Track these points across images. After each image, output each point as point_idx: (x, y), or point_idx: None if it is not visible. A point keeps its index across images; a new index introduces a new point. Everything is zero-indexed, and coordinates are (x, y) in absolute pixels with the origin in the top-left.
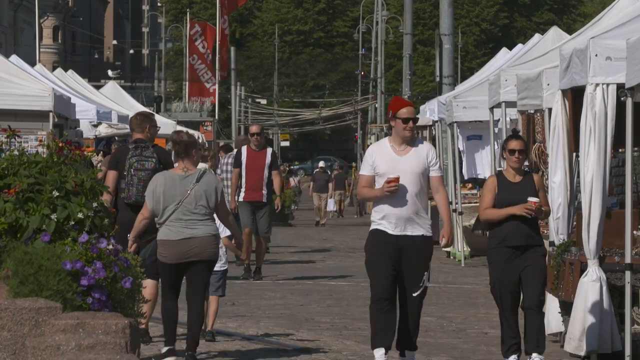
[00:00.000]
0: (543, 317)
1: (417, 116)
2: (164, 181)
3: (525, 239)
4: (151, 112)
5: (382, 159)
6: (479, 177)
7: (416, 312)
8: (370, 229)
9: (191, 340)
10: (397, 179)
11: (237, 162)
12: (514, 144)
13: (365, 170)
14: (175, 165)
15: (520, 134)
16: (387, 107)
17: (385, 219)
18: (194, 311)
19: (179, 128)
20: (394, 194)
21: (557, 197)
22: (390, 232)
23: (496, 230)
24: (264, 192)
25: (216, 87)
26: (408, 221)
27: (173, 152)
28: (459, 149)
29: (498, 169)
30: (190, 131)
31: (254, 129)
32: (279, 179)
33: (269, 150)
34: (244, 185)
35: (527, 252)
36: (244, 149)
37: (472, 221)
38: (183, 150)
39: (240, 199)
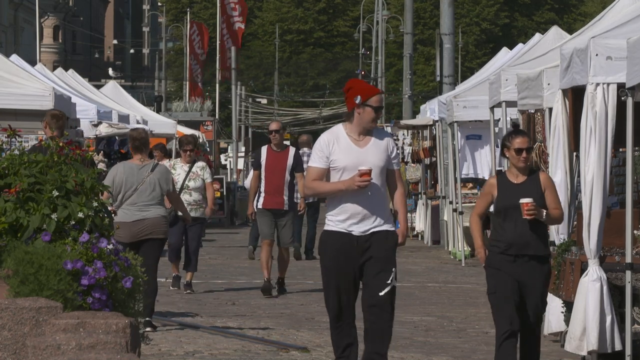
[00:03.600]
0: (539, 338)
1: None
2: (123, 170)
3: (527, 249)
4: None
5: (341, 150)
6: (478, 176)
7: (386, 317)
8: (328, 229)
9: (147, 307)
10: (370, 172)
11: (256, 164)
12: (520, 142)
13: (318, 161)
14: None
15: (521, 127)
16: (387, 107)
17: (344, 219)
18: (148, 283)
19: (179, 128)
20: (360, 189)
21: None
22: (351, 232)
23: (499, 234)
24: (285, 198)
25: (216, 86)
26: (370, 219)
27: (130, 146)
28: (458, 148)
29: (498, 168)
30: (191, 130)
31: (272, 126)
32: (302, 183)
33: (292, 150)
34: (263, 190)
35: (530, 264)
36: (264, 149)
37: None
38: (142, 144)
39: (259, 206)
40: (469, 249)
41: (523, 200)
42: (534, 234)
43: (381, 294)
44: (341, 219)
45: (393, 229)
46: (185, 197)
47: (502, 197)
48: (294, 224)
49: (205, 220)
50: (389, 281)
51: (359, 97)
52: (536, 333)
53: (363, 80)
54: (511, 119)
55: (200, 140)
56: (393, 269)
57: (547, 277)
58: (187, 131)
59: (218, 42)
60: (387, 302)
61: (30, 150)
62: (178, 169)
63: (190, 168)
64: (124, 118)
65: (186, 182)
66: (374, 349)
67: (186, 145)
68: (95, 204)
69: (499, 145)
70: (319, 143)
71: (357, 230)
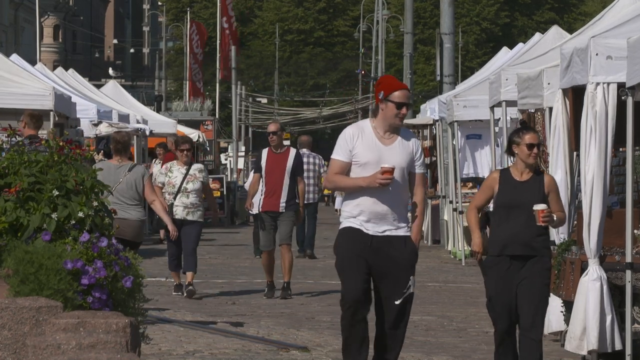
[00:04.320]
0: (540, 348)
1: (411, 102)
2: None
3: (525, 249)
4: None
5: (365, 145)
6: (479, 175)
7: (400, 326)
8: (342, 226)
9: None
10: (393, 170)
11: (256, 167)
12: (531, 138)
13: (341, 154)
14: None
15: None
16: None
17: (360, 216)
18: None
19: (180, 127)
20: (381, 187)
21: None
22: (365, 231)
23: (495, 235)
24: (283, 201)
25: (216, 86)
26: (387, 220)
27: (112, 148)
28: (458, 147)
29: (498, 167)
30: (191, 130)
31: (270, 127)
32: (302, 186)
33: (292, 152)
34: (263, 192)
35: (527, 264)
36: (265, 151)
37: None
38: (123, 147)
39: (259, 209)
40: (469, 249)
41: (538, 207)
42: (532, 233)
43: (397, 302)
44: (355, 215)
45: (409, 234)
46: (182, 200)
47: (503, 194)
48: (293, 223)
49: (204, 223)
50: (405, 290)
51: (382, 92)
52: (535, 344)
53: (393, 77)
54: (516, 118)
55: (200, 140)
56: (411, 277)
57: (546, 277)
58: (187, 131)
59: (219, 41)
60: (402, 311)
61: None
62: (175, 172)
63: (188, 170)
64: (124, 117)
65: (184, 185)
66: (384, 356)
67: (183, 144)
68: (95, 203)
69: (507, 142)
70: (344, 136)
71: (372, 229)
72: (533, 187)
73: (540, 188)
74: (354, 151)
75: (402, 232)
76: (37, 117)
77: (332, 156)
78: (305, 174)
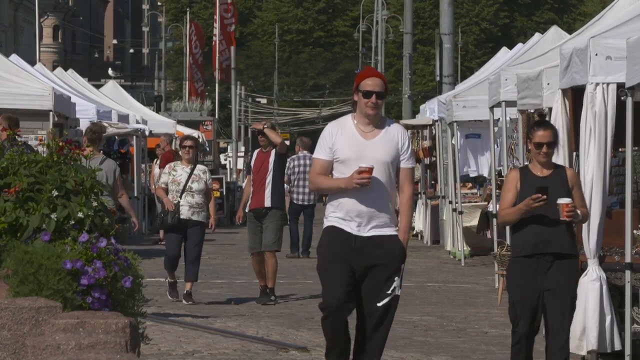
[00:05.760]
0: (568, 349)
1: (383, 90)
2: None
3: (555, 246)
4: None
5: (345, 141)
6: (478, 175)
7: (381, 330)
8: (325, 226)
9: None
10: (371, 170)
11: (247, 168)
12: (541, 135)
13: (321, 153)
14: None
15: (521, 127)
16: (387, 106)
17: (345, 216)
18: None
19: (179, 128)
20: (360, 187)
21: None
22: (350, 231)
23: (520, 234)
24: (267, 196)
25: (216, 86)
26: (373, 220)
27: (88, 138)
28: (457, 148)
29: (497, 167)
30: (191, 130)
31: (258, 127)
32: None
33: (273, 150)
34: (251, 192)
35: (555, 265)
36: (255, 152)
37: (473, 222)
38: (97, 138)
39: (247, 209)
40: (469, 249)
41: (562, 201)
42: (558, 230)
43: (379, 304)
44: (339, 216)
45: (397, 233)
46: (188, 199)
47: (526, 191)
48: (278, 227)
49: (207, 224)
50: (389, 291)
51: (355, 83)
52: (564, 340)
53: (371, 67)
54: (515, 118)
55: (200, 140)
56: (396, 278)
57: (574, 279)
58: (187, 131)
59: (213, 42)
60: (384, 314)
61: None
62: (179, 170)
63: (193, 169)
64: (124, 118)
65: (189, 184)
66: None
67: (185, 141)
68: (94, 203)
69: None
70: (324, 133)
71: (356, 229)
72: (556, 181)
73: (564, 182)
74: (334, 147)
75: (388, 232)
76: (14, 121)
77: (314, 155)
78: (304, 176)
